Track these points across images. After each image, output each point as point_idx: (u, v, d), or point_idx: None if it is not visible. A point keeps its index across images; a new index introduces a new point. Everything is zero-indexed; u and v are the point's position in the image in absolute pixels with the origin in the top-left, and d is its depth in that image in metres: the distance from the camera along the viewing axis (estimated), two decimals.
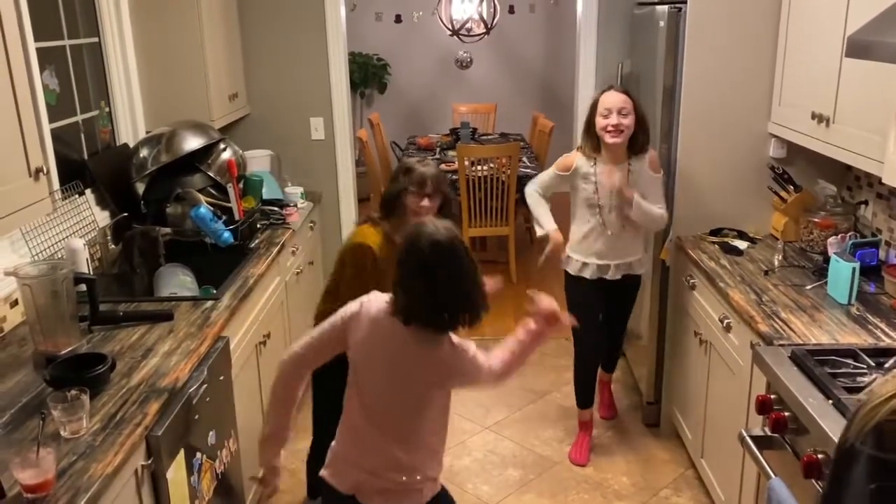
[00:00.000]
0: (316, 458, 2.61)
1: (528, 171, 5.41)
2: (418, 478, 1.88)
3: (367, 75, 7.37)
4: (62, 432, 1.70)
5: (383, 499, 1.87)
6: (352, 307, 1.87)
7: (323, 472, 1.94)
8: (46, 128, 2.55)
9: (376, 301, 1.86)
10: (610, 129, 2.83)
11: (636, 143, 2.92)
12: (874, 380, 1.86)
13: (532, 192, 3.09)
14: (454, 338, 1.82)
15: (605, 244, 3.02)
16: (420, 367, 1.81)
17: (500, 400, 3.72)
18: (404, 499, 1.88)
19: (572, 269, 3.10)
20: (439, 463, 1.95)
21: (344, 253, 2.48)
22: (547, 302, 1.92)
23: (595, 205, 2.98)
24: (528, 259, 5.66)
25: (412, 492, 1.89)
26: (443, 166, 5.55)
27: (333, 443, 1.96)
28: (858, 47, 1.93)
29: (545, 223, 3.04)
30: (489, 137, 6.46)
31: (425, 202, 2.38)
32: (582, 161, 2.97)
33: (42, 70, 2.60)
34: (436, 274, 1.72)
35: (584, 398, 3.26)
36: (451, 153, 5.83)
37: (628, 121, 2.84)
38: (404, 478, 1.86)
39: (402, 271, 1.77)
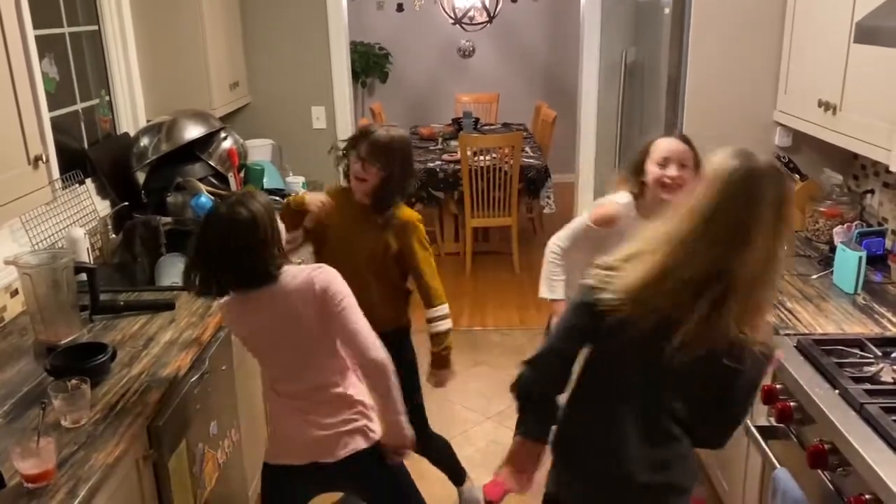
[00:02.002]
0: (432, 454, 2.70)
1: (530, 160, 5.38)
2: (357, 410, 1.94)
3: (369, 64, 7.33)
4: (63, 422, 1.69)
5: (341, 447, 1.91)
6: (221, 312, 2.00)
7: (271, 461, 1.99)
8: (46, 116, 2.53)
9: (224, 304, 1.93)
10: (667, 181, 2.26)
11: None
12: (881, 369, 1.85)
13: (555, 247, 2.54)
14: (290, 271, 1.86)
15: None
16: (280, 311, 1.85)
17: (502, 390, 3.69)
18: (354, 438, 1.93)
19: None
20: (362, 407, 1.96)
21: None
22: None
23: None
24: (531, 249, 5.64)
25: (358, 430, 1.94)
26: (445, 157, 5.53)
27: (269, 433, 2.04)
28: (867, 33, 1.91)
29: (558, 292, 2.52)
30: (492, 127, 6.43)
31: (356, 166, 2.26)
32: (630, 212, 2.37)
33: (41, 58, 2.58)
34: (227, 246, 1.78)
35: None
36: (453, 143, 5.80)
37: (687, 174, 2.25)
38: (344, 415, 1.92)
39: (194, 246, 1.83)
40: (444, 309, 2.41)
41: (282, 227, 1.88)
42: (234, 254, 1.78)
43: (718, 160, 1.54)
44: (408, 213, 2.38)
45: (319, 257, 2.43)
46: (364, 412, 1.95)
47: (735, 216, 1.48)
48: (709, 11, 2.97)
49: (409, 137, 2.45)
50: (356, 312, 1.87)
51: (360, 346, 1.85)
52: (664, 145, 2.30)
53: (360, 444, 1.92)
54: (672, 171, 2.25)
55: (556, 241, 2.53)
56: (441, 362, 2.44)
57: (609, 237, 2.28)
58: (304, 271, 1.86)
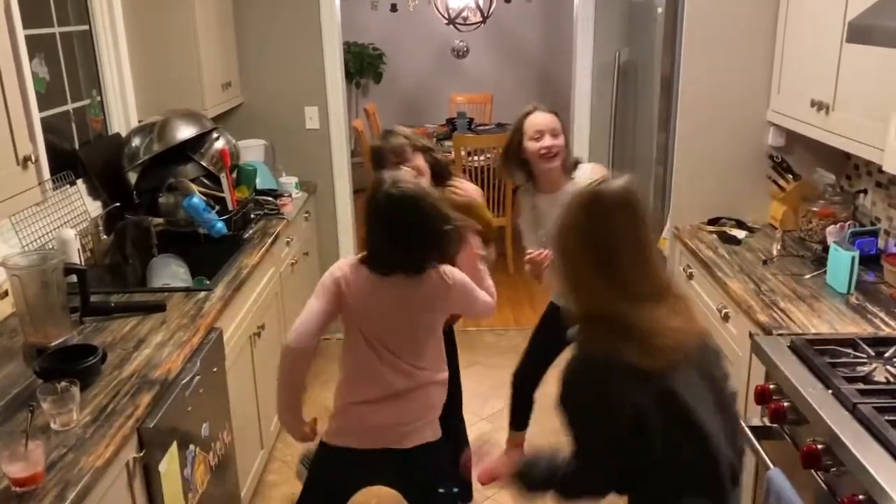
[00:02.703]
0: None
1: None
2: (435, 404, 2.04)
3: (363, 65, 7.32)
4: (52, 425, 1.68)
5: (418, 436, 1.99)
6: (330, 278, 2.01)
7: (336, 442, 2.00)
8: (36, 116, 2.51)
9: (344, 265, 2.00)
10: (543, 152, 2.52)
11: (564, 167, 2.60)
12: (874, 369, 1.85)
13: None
14: (441, 268, 1.94)
15: None
16: (414, 301, 1.93)
17: (497, 390, 3.70)
18: (426, 431, 2.01)
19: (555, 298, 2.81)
20: (439, 406, 2.07)
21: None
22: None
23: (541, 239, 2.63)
24: (524, 249, 5.64)
25: (429, 425, 2.02)
26: (439, 156, 5.51)
27: (338, 407, 2.03)
28: (859, 32, 1.90)
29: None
30: (486, 127, 6.42)
31: (406, 168, 2.35)
32: (525, 195, 2.70)
33: (31, 58, 2.56)
34: (392, 223, 1.87)
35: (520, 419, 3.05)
36: (447, 143, 5.79)
37: (560, 141, 2.54)
38: (427, 406, 2.01)
39: (367, 226, 1.93)
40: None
41: None
42: (420, 233, 1.86)
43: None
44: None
45: None
46: (438, 409, 2.06)
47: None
48: (702, 11, 2.96)
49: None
50: (475, 292, 2.03)
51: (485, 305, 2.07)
52: (534, 120, 2.53)
53: (427, 436, 2.01)
54: (547, 141, 2.50)
55: None
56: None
57: (524, 222, 2.70)
58: (435, 269, 1.94)
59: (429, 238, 1.88)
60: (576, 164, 2.65)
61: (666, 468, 1.46)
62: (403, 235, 1.86)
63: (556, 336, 2.73)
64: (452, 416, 2.64)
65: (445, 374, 2.07)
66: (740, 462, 1.57)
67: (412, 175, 2.33)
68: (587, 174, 2.56)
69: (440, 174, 2.43)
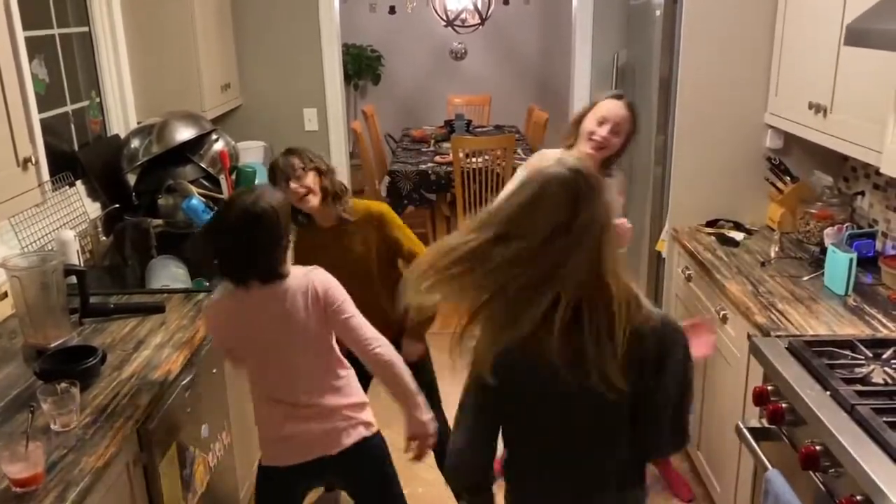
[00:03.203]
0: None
1: (522, 163, 5.38)
2: (354, 403, 1.99)
3: (361, 67, 7.33)
4: (52, 425, 1.68)
5: (345, 436, 1.95)
6: (205, 326, 2.08)
7: (268, 463, 2.00)
8: (35, 118, 2.51)
9: (214, 305, 2.03)
10: (596, 137, 2.41)
11: (609, 164, 2.52)
12: (872, 371, 1.86)
13: None
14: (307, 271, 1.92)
15: None
16: (278, 312, 1.88)
17: None
18: (359, 427, 1.98)
19: None
20: (355, 395, 2.01)
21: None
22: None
23: None
24: None
25: (359, 422, 1.98)
26: (437, 159, 5.52)
27: (263, 437, 2.02)
28: (857, 35, 1.91)
29: None
30: (484, 129, 6.43)
31: (293, 185, 2.33)
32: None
33: (31, 59, 2.56)
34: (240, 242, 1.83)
35: None
36: (445, 145, 5.80)
37: (618, 140, 2.43)
38: (345, 407, 1.96)
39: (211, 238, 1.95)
40: None
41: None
42: (252, 246, 1.82)
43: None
44: (365, 204, 2.50)
45: None
46: (362, 405, 2.01)
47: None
48: (700, 14, 2.97)
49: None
50: (355, 311, 1.94)
51: (363, 343, 1.93)
52: (607, 106, 2.42)
53: (362, 432, 1.98)
54: (604, 131, 2.38)
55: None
56: (415, 333, 2.50)
57: None
58: (300, 272, 1.91)
59: (266, 248, 1.85)
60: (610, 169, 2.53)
61: None
62: (245, 245, 1.83)
63: None
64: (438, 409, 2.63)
65: (348, 381, 2.00)
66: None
67: (301, 192, 2.34)
68: (614, 185, 2.50)
69: (335, 195, 2.42)
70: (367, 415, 2.03)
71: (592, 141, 2.41)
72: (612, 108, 2.42)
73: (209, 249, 1.92)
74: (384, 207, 2.52)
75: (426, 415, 1.98)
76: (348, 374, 2.01)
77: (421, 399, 1.98)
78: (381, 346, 1.94)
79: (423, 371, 2.54)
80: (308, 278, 1.90)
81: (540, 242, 1.32)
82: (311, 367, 1.94)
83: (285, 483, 2.01)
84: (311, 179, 2.36)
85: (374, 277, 2.44)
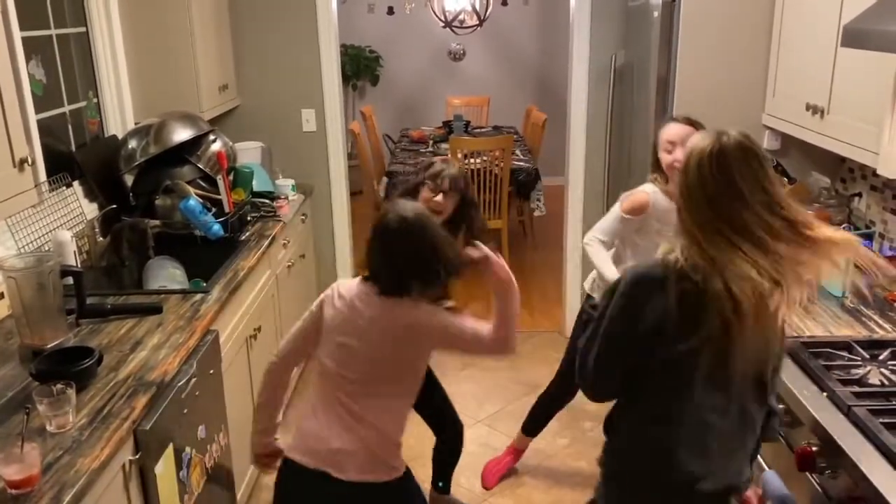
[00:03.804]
0: (440, 452, 2.77)
1: (521, 163, 5.39)
2: (391, 440, 1.91)
3: (360, 67, 7.33)
4: (48, 427, 1.68)
5: (357, 470, 1.86)
6: (324, 294, 1.97)
7: (290, 452, 1.94)
8: (33, 118, 2.51)
9: (345, 283, 1.96)
10: (678, 164, 2.29)
11: None
12: (869, 372, 1.86)
13: (593, 240, 2.62)
14: (426, 304, 1.89)
15: None
16: (391, 331, 1.86)
17: (493, 393, 3.71)
18: (377, 469, 1.88)
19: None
20: (398, 442, 1.94)
21: None
22: (476, 252, 1.96)
23: None
24: (521, 252, 5.65)
25: (380, 464, 1.89)
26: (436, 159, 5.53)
27: (300, 421, 1.96)
28: (854, 36, 1.91)
29: (609, 272, 2.57)
30: (482, 130, 6.43)
31: (439, 198, 2.37)
32: (658, 197, 2.51)
33: (28, 60, 2.56)
34: (394, 244, 1.84)
35: (535, 426, 3.09)
36: (444, 146, 5.80)
37: None
38: (378, 433, 1.88)
39: (371, 243, 1.89)
40: None
41: None
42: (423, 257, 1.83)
43: (691, 144, 1.57)
44: None
45: None
46: (397, 446, 1.93)
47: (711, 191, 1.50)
48: (697, 15, 2.98)
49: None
50: (461, 327, 1.90)
51: (477, 349, 1.95)
52: (668, 131, 2.46)
53: (380, 476, 1.88)
54: (679, 153, 2.37)
55: (595, 234, 2.64)
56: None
57: (648, 222, 2.52)
58: (415, 305, 1.87)
59: (419, 265, 1.85)
60: None
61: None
62: (399, 257, 1.85)
63: None
64: (454, 414, 2.68)
65: (404, 403, 1.96)
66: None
67: (436, 208, 2.35)
68: None
69: (452, 228, 2.38)
70: (395, 459, 1.92)
71: (676, 168, 2.32)
72: (671, 130, 2.46)
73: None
74: None
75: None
76: (405, 407, 1.96)
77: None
78: (488, 331, 1.91)
79: (436, 387, 2.62)
80: (417, 317, 1.86)
81: None
82: (393, 377, 1.90)
83: (299, 484, 1.91)
84: (451, 204, 2.39)
85: None
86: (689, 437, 1.54)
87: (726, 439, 1.55)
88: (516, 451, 3.15)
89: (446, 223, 2.34)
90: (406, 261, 1.84)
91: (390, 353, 1.88)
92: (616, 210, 2.59)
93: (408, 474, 1.96)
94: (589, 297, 2.77)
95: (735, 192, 1.49)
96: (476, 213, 2.48)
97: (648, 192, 2.53)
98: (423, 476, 2.95)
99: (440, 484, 2.85)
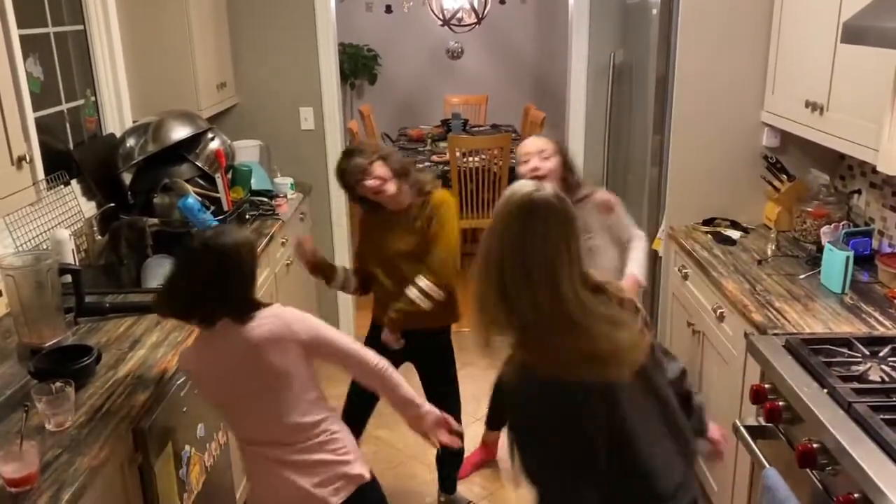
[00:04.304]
0: (442, 450, 2.72)
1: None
2: (340, 450, 1.88)
3: (358, 66, 7.32)
4: (47, 425, 1.67)
5: (332, 494, 1.84)
6: (183, 367, 1.94)
7: None
8: (30, 116, 2.48)
9: (186, 351, 1.91)
10: (532, 173, 2.53)
11: (567, 187, 2.55)
12: (869, 368, 1.86)
13: None
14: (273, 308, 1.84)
15: None
16: (249, 357, 1.78)
17: (489, 392, 3.70)
18: (342, 482, 1.86)
19: None
20: (342, 446, 1.89)
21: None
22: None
23: None
24: None
25: (343, 475, 1.86)
26: (434, 158, 5.52)
27: (250, 490, 1.97)
28: (854, 33, 1.91)
29: None
30: (481, 129, 6.43)
31: (369, 183, 2.43)
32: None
33: (25, 58, 2.54)
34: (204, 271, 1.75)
35: (498, 419, 3.11)
36: (442, 144, 5.80)
37: (550, 163, 2.56)
38: (328, 460, 1.85)
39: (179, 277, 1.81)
40: (433, 288, 2.45)
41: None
42: (220, 283, 1.74)
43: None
44: (439, 195, 2.56)
45: (374, 279, 2.62)
46: (346, 451, 1.89)
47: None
48: (696, 12, 2.97)
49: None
50: (337, 334, 1.89)
51: (357, 361, 1.90)
52: (522, 147, 2.66)
53: (349, 488, 1.86)
54: (533, 162, 2.56)
55: None
56: (392, 326, 2.52)
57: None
58: (270, 312, 1.81)
59: (232, 284, 1.78)
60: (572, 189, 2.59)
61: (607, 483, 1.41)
62: (211, 282, 1.76)
63: None
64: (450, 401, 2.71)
65: (328, 423, 1.89)
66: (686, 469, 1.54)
67: (376, 184, 2.42)
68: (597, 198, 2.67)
69: (403, 173, 2.50)
70: (358, 465, 1.90)
71: (535, 178, 2.45)
72: (525, 145, 2.64)
73: (177, 296, 1.79)
74: (446, 196, 2.57)
75: (428, 408, 1.96)
76: (330, 418, 1.90)
77: (414, 397, 1.96)
78: (373, 357, 1.90)
79: (450, 365, 2.74)
80: (280, 317, 1.81)
81: None
82: (283, 413, 1.81)
83: None
84: (380, 169, 2.43)
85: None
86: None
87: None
88: (485, 445, 3.18)
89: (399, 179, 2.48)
90: (226, 282, 1.76)
91: (261, 379, 1.80)
92: None
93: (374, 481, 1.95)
94: None
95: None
96: (396, 157, 2.54)
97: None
98: (420, 472, 2.95)
99: (446, 484, 2.86)
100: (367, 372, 1.92)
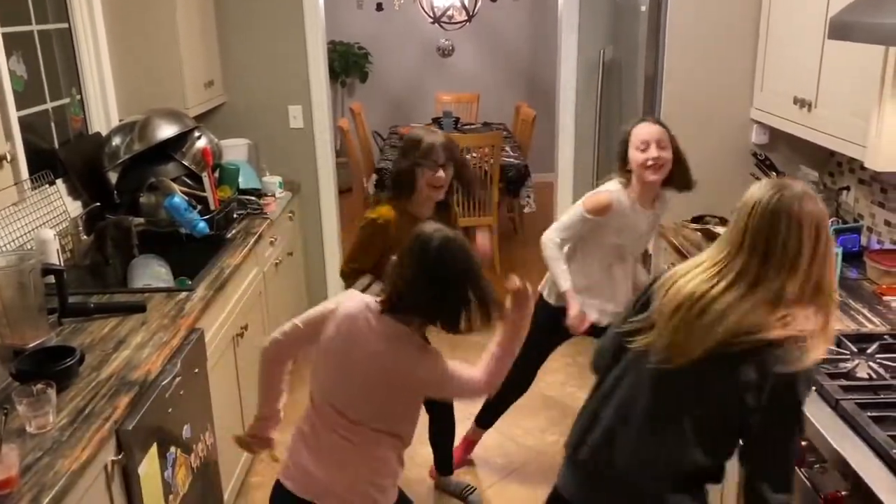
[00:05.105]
0: (435, 434, 2.80)
1: (511, 160, 5.37)
2: (383, 471, 1.86)
3: (349, 64, 7.29)
4: (28, 428, 1.65)
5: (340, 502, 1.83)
6: (329, 305, 1.86)
7: (280, 475, 1.89)
8: (13, 115, 2.46)
9: (352, 300, 1.84)
10: (650, 163, 2.43)
11: (680, 180, 2.53)
12: (857, 366, 1.85)
13: (550, 242, 2.59)
14: (427, 347, 1.82)
15: (608, 291, 2.65)
16: (389, 375, 1.78)
17: None
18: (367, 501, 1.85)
19: (554, 301, 2.68)
20: (394, 472, 1.89)
21: (360, 226, 2.48)
22: (518, 282, 1.86)
23: (622, 250, 2.62)
24: (511, 248, 5.64)
25: (369, 497, 1.84)
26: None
27: (291, 446, 1.91)
28: (840, 29, 1.91)
29: (563, 283, 2.57)
30: (472, 127, 6.41)
31: (440, 173, 2.34)
32: (622, 198, 2.51)
33: (8, 56, 2.52)
34: (441, 274, 1.71)
35: (489, 418, 3.09)
36: None
37: (667, 153, 2.45)
38: (368, 468, 1.84)
39: (407, 268, 1.74)
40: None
41: None
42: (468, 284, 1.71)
43: (750, 191, 1.51)
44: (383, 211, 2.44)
45: None
46: (386, 481, 1.88)
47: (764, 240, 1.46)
48: (685, 10, 2.97)
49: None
50: (458, 379, 1.83)
51: (470, 395, 1.95)
52: (642, 131, 2.45)
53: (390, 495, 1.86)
54: (653, 152, 2.41)
55: (551, 237, 2.59)
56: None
57: (608, 223, 2.51)
58: (419, 356, 1.79)
59: (455, 294, 1.72)
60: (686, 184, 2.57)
61: None
62: (446, 286, 1.72)
63: (550, 336, 2.76)
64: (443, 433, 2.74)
65: (398, 439, 1.87)
66: None
67: (442, 184, 2.36)
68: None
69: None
70: (383, 495, 1.86)
71: (648, 167, 2.43)
72: (646, 130, 2.45)
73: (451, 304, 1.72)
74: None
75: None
76: (396, 448, 1.88)
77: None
78: (477, 384, 1.85)
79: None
80: (433, 360, 1.79)
81: None
82: (381, 418, 1.82)
83: None
84: (449, 174, 2.37)
85: None
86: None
87: None
88: (468, 442, 3.14)
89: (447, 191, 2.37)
90: (442, 289, 1.71)
91: (385, 396, 1.80)
92: (579, 209, 2.54)
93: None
94: (542, 296, 2.73)
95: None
96: (467, 169, 2.47)
97: (612, 191, 2.51)
98: (411, 472, 2.94)
99: (441, 465, 2.87)
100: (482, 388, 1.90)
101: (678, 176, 2.51)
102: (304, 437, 1.88)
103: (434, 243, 1.71)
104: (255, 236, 3.06)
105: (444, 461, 2.89)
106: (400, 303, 1.75)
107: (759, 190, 1.49)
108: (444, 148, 2.34)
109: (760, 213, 1.45)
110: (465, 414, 3.11)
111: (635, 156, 2.44)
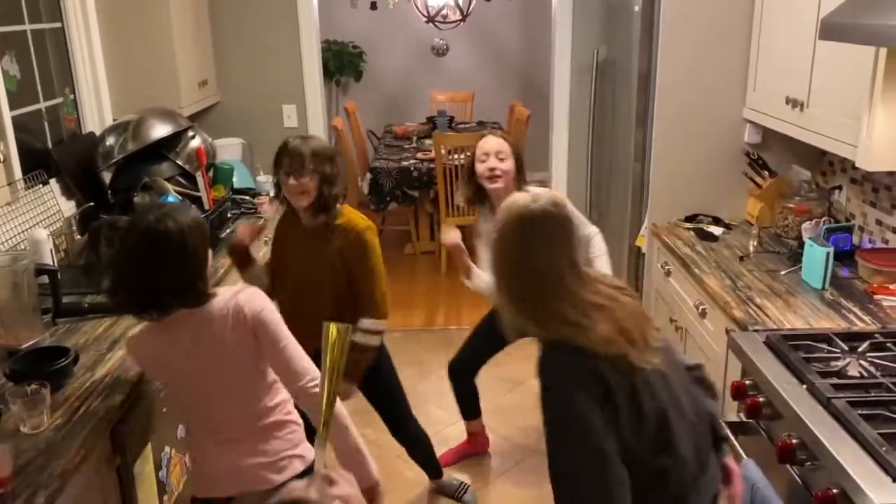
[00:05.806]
0: (409, 449, 2.78)
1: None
2: (290, 430, 1.84)
3: (343, 63, 7.29)
4: (22, 428, 1.65)
5: (278, 470, 1.80)
6: (130, 351, 1.84)
7: (202, 495, 1.88)
8: (6, 115, 2.47)
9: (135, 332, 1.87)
10: (488, 172, 2.60)
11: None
12: (848, 364, 1.87)
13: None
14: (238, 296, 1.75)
15: None
16: (205, 339, 1.73)
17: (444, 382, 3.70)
18: (294, 460, 1.83)
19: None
20: (289, 432, 1.85)
21: None
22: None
23: None
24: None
25: (295, 455, 1.83)
26: (419, 155, 5.51)
27: (194, 468, 1.91)
28: (832, 29, 1.92)
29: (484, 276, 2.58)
30: (466, 126, 6.42)
31: (291, 181, 2.27)
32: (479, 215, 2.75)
33: (1, 56, 2.52)
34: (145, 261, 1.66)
35: (469, 409, 3.11)
36: (427, 142, 5.78)
37: (506, 165, 2.60)
38: (279, 439, 1.81)
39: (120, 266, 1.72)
40: (381, 325, 2.39)
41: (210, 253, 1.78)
42: (163, 268, 1.65)
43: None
44: (355, 220, 2.40)
45: (283, 287, 2.44)
46: (297, 431, 1.86)
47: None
48: (678, 9, 2.97)
49: (324, 140, 2.56)
50: (287, 338, 1.74)
51: (296, 376, 1.71)
52: (482, 145, 2.67)
53: (297, 467, 1.82)
54: (492, 162, 2.60)
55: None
56: (355, 372, 2.33)
57: (479, 229, 2.72)
58: (228, 293, 1.75)
59: (178, 270, 1.67)
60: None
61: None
62: (154, 269, 1.66)
63: (499, 335, 2.75)
64: (399, 417, 2.69)
65: (280, 409, 1.84)
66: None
67: (296, 190, 2.28)
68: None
69: (324, 206, 2.35)
70: (304, 448, 1.86)
71: (489, 178, 2.61)
72: (485, 143, 2.66)
73: (120, 282, 1.69)
74: (367, 231, 2.38)
75: (370, 462, 1.66)
76: (282, 404, 1.84)
77: (366, 452, 1.68)
78: (316, 375, 1.68)
79: (379, 381, 2.54)
80: (236, 300, 1.72)
81: None
82: (239, 398, 1.77)
83: None
84: (311, 183, 2.28)
85: (331, 289, 2.35)
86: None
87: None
88: (473, 435, 3.17)
89: (311, 205, 2.32)
90: (170, 268, 1.67)
91: (216, 360, 1.74)
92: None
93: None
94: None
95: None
96: (333, 187, 2.35)
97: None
98: (405, 471, 2.94)
99: (427, 472, 2.87)
100: (302, 390, 1.71)
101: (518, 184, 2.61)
102: (202, 450, 1.86)
103: (134, 235, 1.67)
104: None
105: (427, 468, 2.87)
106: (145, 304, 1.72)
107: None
108: (296, 155, 2.27)
109: None
110: (461, 433, 3.12)
111: (478, 168, 2.64)
